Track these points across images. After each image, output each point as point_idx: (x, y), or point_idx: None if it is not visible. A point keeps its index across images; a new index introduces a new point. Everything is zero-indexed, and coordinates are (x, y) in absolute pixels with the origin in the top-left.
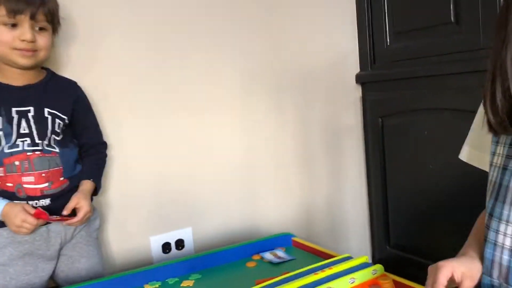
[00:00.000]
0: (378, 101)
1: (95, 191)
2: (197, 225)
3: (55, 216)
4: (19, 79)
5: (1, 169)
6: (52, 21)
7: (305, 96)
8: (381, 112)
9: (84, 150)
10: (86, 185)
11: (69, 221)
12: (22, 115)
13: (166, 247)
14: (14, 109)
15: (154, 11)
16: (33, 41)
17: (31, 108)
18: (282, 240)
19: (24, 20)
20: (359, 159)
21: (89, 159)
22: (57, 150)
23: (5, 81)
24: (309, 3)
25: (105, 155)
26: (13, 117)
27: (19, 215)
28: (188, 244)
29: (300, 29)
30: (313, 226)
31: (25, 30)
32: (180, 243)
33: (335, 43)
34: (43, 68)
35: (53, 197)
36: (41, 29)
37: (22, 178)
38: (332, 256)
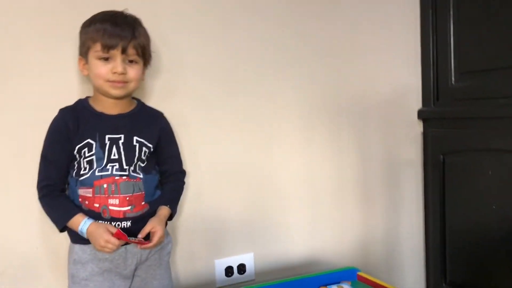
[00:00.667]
0: (440, 138)
1: (170, 217)
2: (258, 251)
3: (133, 238)
4: (113, 108)
5: (91, 190)
6: (143, 54)
7: (364, 129)
8: (443, 149)
9: (165, 176)
10: (163, 210)
11: (144, 245)
12: (114, 142)
13: (228, 270)
14: (107, 136)
15: (223, 45)
16: (123, 73)
17: (122, 136)
18: (348, 274)
19: (116, 54)
20: (417, 194)
21: (168, 186)
22: (141, 176)
23: (101, 109)
24: (373, 36)
25: (183, 183)
26: (106, 144)
27: (104, 235)
28: (250, 268)
29: (363, 61)
30: (368, 258)
31: (117, 64)
32: (242, 268)
33: (398, 77)
34: (134, 98)
35: (133, 220)
36: (132, 61)
37: (109, 200)
38: None
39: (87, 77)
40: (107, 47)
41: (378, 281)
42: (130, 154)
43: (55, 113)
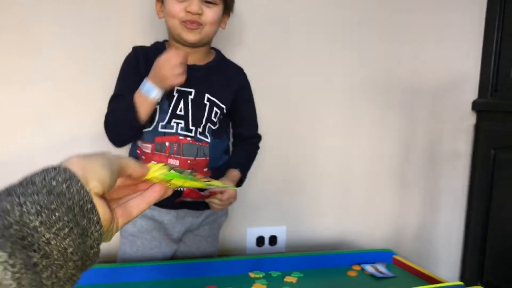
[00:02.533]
0: (494, 132)
1: (239, 182)
2: (292, 225)
3: (203, 192)
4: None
5: (150, 146)
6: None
7: (411, 115)
8: (496, 144)
9: (238, 140)
10: (234, 173)
11: (212, 199)
12: (182, 95)
13: (260, 240)
14: (176, 87)
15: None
16: (198, 13)
17: (193, 91)
18: (383, 255)
19: None
20: (462, 188)
21: (241, 149)
22: (208, 140)
23: None
24: (433, 19)
25: (258, 148)
26: (173, 96)
27: (168, 60)
28: (281, 241)
29: (420, 45)
30: (401, 246)
31: (192, 2)
32: (273, 239)
33: (455, 64)
34: (213, 48)
35: None
36: (210, 3)
37: (169, 160)
38: (436, 281)
39: (163, 20)
40: None
41: (416, 267)
42: (199, 113)
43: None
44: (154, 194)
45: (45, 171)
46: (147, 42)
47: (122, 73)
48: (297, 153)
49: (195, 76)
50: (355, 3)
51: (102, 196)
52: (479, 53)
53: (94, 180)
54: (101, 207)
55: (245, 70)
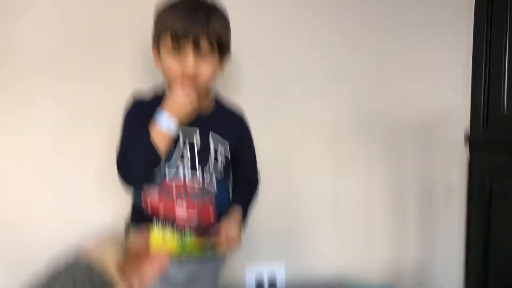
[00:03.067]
0: (488, 163)
1: (243, 221)
2: (289, 262)
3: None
4: None
5: (157, 190)
6: (219, 46)
7: (402, 150)
8: (490, 175)
9: (239, 182)
10: (236, 212)
11: (219, 242)
12: (187, 135)
13: (259, 284)
14: (182, 127)
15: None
16: (195, 71)
17: (197, 129)
18: None
19: (188, 47)
20: (458, 221)
21: (242, 190)
22: (214, 180)
23: None
24: (419, 53)
25: (257, 190)
26: (179, 135)
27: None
28: (280, 283)
29: (407, 78)
30: (401, 282)
31: (188, 59)
32: (272, 283)
33: (443, 97)
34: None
35: (197, 230)
36: (205, 55)
37: (174, 204)
38: None
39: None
40: (176, 38)
41: None
42: (204, 152)
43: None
44: (158, 264)
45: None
46: (145, 84)
47: (126, 121)
48: (292, 192)
49: (196, 118)
50: (343, 39)
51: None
52: (469, 86)
53: (109, 257)
54: (118, 277)
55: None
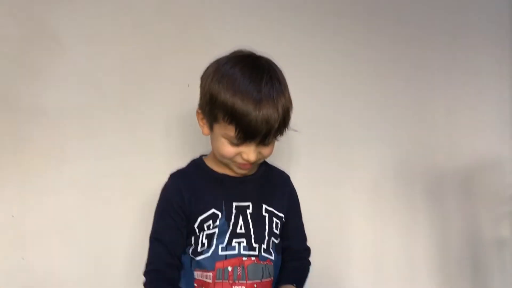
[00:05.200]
0: None
1: None
2: None
3: None
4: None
5: (211, 274)
6: (280, 134)
7: (443, 199)
8: None
9: (289, 254)
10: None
11: None
12: (241, 211)
13: None
14: (235, 204)
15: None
16: (256, 159)
17: (250, 204)
18: None
19: (252, 142)
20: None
21: (293, 264)
22: (272, 257)
23: (223, 171)
24: (461, 96)
25: (309, 263)
26: (232, 213)
27: None
28: None
29: (453, 127)
30: None
31: (249, 151)
32: None
33: (489, 146)
34: None
35: None
36: (267, 145)
37: (233, 287)
38: None
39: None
40: (243, 139)
41: None
42: (260, 228)
43: None
44: None
45: None
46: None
47: (160, 208)
48: (325, 243)
49: (249, 188)
50: (382, 90)
51: None
52: None
53: None
54: None
55: None
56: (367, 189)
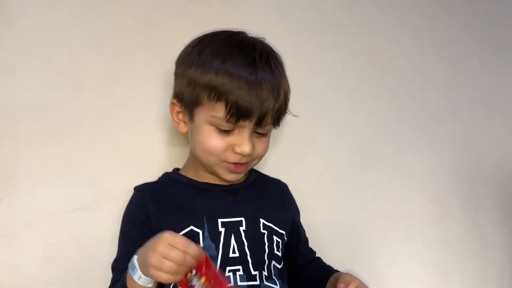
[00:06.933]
0: None
1: None
2: None
3: None
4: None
5: None
6: (278, 120)
7: None
8: None
9: (298, 268)
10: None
11: None
12: (232, 229)
13: None
14: (220, 220)
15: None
16: (251, 152)
17: (243, 219)
18: None
19: (246, 126)
20: None
21: (314, 266)
22: (277, 286)
23: (201, 179)
24: None
25: (320, 258)
26: (220, 232)
27: (165, 238)
28: None
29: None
30: None
31: (243, 140)
32: None
33: None
34: None
35: None
36: (262, 134)
37: None
38: None
39: (184, 135)
40: (235, 117)
41: None
42: (258, 249)
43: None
44: None
45: None
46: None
47: (123, 227)
48: (377, 256)
49: (235, 200)
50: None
51: None
52: None
53: None
54: None
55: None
56: (422, 199)
